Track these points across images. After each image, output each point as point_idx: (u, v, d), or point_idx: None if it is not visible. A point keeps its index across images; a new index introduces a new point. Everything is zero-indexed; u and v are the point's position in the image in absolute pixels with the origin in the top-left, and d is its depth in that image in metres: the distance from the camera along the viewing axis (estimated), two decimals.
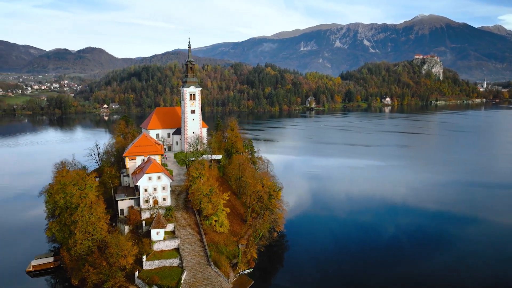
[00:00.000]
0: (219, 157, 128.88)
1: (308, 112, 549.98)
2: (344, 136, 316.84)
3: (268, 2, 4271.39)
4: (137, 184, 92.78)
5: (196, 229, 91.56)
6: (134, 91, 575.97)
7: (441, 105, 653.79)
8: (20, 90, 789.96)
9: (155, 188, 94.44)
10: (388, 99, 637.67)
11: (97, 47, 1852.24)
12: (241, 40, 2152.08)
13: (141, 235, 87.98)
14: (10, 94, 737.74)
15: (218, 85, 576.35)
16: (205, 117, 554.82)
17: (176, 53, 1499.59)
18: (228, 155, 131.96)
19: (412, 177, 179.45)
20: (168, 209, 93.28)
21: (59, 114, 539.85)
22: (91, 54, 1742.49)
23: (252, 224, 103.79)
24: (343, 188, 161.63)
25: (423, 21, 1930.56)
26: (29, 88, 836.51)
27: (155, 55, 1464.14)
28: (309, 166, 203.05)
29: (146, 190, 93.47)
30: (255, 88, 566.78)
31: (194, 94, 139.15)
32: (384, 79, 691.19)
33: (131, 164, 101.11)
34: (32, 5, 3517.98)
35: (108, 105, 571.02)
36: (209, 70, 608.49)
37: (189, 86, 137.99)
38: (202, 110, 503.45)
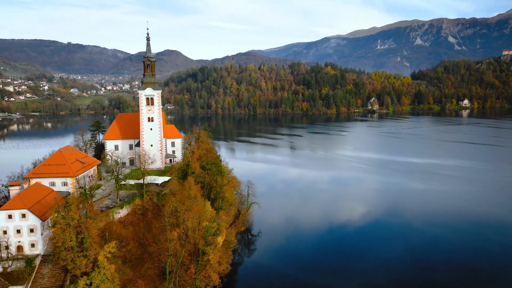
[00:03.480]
0: (163, 180, 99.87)
1: (369, 115, 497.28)
2: (398, 146, 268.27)
3: (344, 0, 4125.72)
4: None
5: None
6: (189, 92, 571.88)
7: None
8: (95, 91, 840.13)
9: (19, 230, 68.65)
10: (466, 101, 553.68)
11: (174, 49, 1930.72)
12: (314, 40, 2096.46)
13: None
14: (84, 94, 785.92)
15: (272, 85, 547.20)
16: (256, 119, 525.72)
17: (248, 54, 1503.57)
18: (183, 177, 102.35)
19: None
20: (28, 261, 66.85)
21: (117, 114, 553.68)
22: (168, 57, 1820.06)
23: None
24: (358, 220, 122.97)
25: None
26: (103, 89, 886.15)
27: (227, 56, 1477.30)
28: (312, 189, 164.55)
29: (5, 232, 67.98)
30: (311, 88, 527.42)
31: (152, 98, 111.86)
32: (463, 78, 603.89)
33: (13, 191, 76.48)
34: (122, 13, 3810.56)
35: (163, 105, 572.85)
36: (264, 70, 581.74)
37: (145, 88, 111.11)
38: (253, 111, 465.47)
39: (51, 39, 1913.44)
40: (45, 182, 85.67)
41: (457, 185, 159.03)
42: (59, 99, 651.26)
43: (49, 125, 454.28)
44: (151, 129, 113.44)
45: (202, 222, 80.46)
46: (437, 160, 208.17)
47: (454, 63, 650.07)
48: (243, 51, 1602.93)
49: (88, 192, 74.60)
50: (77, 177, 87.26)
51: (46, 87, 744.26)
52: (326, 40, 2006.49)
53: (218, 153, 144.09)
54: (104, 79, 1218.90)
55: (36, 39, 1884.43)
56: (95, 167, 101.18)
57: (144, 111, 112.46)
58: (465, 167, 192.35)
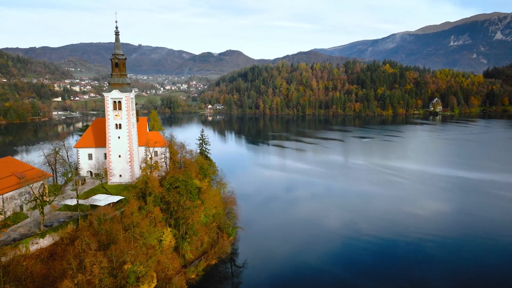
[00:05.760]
0: (113, 200, 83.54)
1: (431, 117, 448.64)
2: (454, 155, 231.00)
3: None
4: None
5: None
6: (238, 92, 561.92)
7: None
8: (154, 90, 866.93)
9: None
10: None
11: (236, 49, 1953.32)
12: (380, 37, 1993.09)
13: None
14: (143, 94, 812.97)
15: (324, 85, 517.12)
16: (305, 120, 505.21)
17: (309, 53, 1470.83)
18: (143, 197, 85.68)
19: None
20: None
21: (169, 113, 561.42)
22: (230, 57, 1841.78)
23: None
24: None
25: None
26: (162, 88, 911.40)
27: (287, 55, 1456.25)
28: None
29: None
30: (365, 88, 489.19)
31: (119, 102, 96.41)
32: None
33: None
34: (186, 15, 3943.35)
35: (212, 105, 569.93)
36: (317, 69, 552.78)
37: (111, 90, 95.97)
38: (302, 112, 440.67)
39: (124, 42, 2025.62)
40: None
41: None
42: None
43: None
44: (118, 137, 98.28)
45: (127, 263, 62.59)
46: (499, 176, 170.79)
47: None
48: (305, 50, 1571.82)
49: None
50: (2, 196, 73.82)
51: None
52: (392, 37, 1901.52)
53: (215, 166, 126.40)
54: (168, 79, 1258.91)
55: (111, 42, 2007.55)
56: (42, 182, 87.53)
57: (111, 116, 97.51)
58: None
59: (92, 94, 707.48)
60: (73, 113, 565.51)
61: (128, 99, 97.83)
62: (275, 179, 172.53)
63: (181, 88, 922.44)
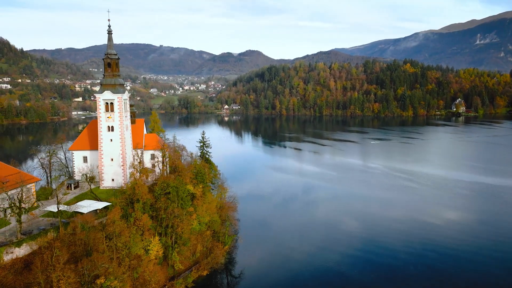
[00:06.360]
0: (98, 206, 79.62)
1: (453, 118, 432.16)
2: (476, 158, 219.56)
3: None
4: None
5: None
6: (255, 92, 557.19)
7: None
8: (173, 91, 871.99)
9: None
10: None
11: (255, 49, 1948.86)
12: (403, 36, 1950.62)
13: None
14: (162, 94, 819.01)
15: (342, 85, 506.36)
16: (322, 121, 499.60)
17: (329, 53, 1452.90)
18: (131, 203, 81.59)
19: None
20: None
21: (185, 114, 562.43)
22: (250, 57, 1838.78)
23: None
24: None
25: None
26: (180, 88, 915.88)
27: (307, 55, 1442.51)
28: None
29: None
30: (385, 88, 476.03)
31: (111, 103, 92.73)
32: None
33: None
34: (208, 15, 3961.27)
35: (229, 105, 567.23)
36: (335, 69, 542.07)
37: (103, 91, 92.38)
38: (319, 113, 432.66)
39: (146, 43, 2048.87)
40: None
41: None
42: (138, 98, 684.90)
43: None
44: (111, 140, 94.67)
45: (100, 277, 58.28)
46: None
47: None
48: (326, 49, 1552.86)
49: None
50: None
51: (128, 87, 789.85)
52: (415, 36, 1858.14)
53: (216, 169, 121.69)
54: (187, 79, 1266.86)
55: (133, 43, 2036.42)
56: (30, 186, 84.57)
57: (103, 118, 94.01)
58: None
59: None
60: (92, 113, 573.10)
61: (120, 100, 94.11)
62: (283, 183, 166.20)
63: (200, 88, 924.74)
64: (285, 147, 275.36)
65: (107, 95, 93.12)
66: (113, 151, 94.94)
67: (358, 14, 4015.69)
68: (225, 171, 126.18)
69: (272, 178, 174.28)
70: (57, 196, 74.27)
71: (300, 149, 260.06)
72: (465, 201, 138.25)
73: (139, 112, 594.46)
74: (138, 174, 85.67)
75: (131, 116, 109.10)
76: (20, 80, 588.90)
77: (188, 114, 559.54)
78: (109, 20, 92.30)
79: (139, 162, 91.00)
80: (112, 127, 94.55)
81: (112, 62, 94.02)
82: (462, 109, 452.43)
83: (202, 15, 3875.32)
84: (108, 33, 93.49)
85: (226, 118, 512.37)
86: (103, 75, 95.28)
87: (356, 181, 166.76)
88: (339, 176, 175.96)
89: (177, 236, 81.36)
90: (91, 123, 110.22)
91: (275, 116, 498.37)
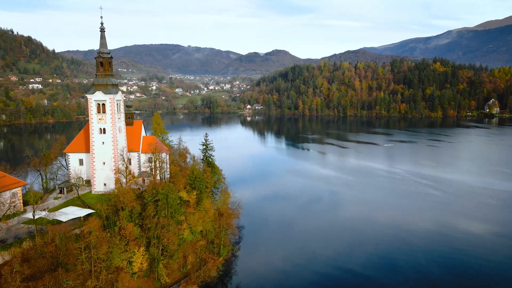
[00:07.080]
0: (81, 214, 75.40)
1: (486, 119, 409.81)
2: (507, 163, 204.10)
3: None
4: None
5: None
6: (278, 92, 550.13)
7: None
8: (198, 90, 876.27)
9: None
10: None
11: (282, 49, 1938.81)
12: (435, 34, 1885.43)
13: None
14: (187, 93, 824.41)
15: (368, 85, 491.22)
16: (346, 122, 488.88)
17: (357, 52, 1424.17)
18: (116, 211, 77.07)
19: None
20: None
21: (208, 113, 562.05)
22: (276, 56, 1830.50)
23: None
24: None
25: None
26: (205, 88, 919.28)
27: (334, 55, 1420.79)
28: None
29: None
30: (412, 88, 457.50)
31: (103, 104, 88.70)
32: None
33: None
34: (235, 15, 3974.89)
35: (251, 105, 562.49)
36: (360, 68, 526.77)
37: (94, 92, 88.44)
38: (343, 113, 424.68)
39: (174, 43, 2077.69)
40: None
41: None
42: (163, 98, 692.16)
43: None
44: (103, 142, 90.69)
45: None
46: None
47: None
48: (354, 48, 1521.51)
49: None
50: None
51: (154, 87, 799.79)
52: (448, 33, 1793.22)
53: (220, 173, 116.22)
54: (213, 79, 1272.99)
55: (162, 44, 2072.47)
56: (16, 190, 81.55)
57: (95, 120, 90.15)
58: None
59: (138, 94, 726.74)
60: None
61: (113, 101, 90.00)
62: (296, 188, 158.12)
63: (225, 88, 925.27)
64: (303, 149, 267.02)
65: (99, 95, 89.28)
66: (105, 155, 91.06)
67: (388, 12, 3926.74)
68: (237, 175, 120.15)
69: (283, 182, 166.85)
70: (35, 202, 70.70)
71: (319, 152, 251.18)
72: (490, 211, 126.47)
73: (163, 112, 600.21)
74: (124, 180, 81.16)
75: (129, 118, 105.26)
76: (50, 80, 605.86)
77: (211, 114, 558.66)
78: (101, 17, 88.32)
79: (125, 167, 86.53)
80: (104, 129, 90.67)
81: (105, 61, 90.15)
82: (496, 110, 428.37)
83: (229, 15, 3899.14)
84: (100, 31, 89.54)
85: (248, 118, 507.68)
86: (95, 74, 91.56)
87: (372, 187, 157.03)
88: (355, 181, 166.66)
89: (163, 247, 76.12)
90: (88, 125, 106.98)
91: (298, 116, 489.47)
